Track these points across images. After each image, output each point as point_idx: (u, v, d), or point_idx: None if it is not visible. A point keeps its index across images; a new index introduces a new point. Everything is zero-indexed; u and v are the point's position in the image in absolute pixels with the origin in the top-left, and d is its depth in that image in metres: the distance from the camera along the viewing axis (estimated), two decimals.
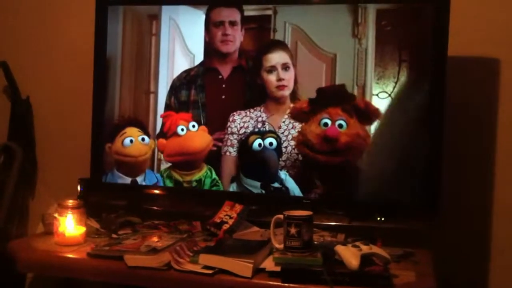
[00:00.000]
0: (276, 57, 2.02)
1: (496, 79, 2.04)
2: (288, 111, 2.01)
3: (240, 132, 2.05)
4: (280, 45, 2.03)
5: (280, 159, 2.00)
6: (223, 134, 2.07)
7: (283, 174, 1.99)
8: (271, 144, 2.01)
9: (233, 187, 2.05)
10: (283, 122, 2.02)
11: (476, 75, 2.06)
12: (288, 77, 2.02)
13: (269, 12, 2.04)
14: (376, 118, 1.92)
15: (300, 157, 1.98)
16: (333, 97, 1.95)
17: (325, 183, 1.98)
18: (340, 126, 1.92)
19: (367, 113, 1.92)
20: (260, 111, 2.05)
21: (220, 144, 2.07)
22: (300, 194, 1.99)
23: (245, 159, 2.05)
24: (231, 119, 2.06)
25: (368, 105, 1.92)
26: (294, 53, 2.02)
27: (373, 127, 1.92)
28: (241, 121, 2.05)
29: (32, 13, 2.57)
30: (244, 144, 2.04)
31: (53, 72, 2.54)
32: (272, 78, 2.03)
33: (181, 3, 2.16)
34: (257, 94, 2.06)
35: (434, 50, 1.85)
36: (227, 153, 2.06)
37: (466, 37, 2.01)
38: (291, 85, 2.02)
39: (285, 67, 2.01)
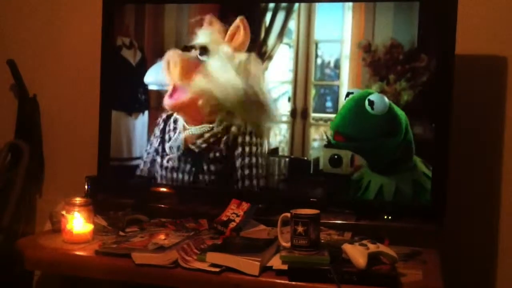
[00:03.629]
0: None
1: (503, 78, 2.03)
2: None
3: None
4: None
5: None
6: None
7: None
8: None
9: None
10: None
11: (483, 74, 2.05)
12: None
13: None
14: None
15: None
16: None
17: None
18: None
19: None
20: None
21: None
22: None
23: None
24: None
25: None
26: None
27: None
28: None
29: (39, 12, 2.57)
30: None
31: (60, 70, 2.55)
32: None
33: (188, 2, 2.16)
34: None
35: (442, 49, 1.85)
36: None
37: (473, 36, 2.01)
38: None
39: None
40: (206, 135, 2.10)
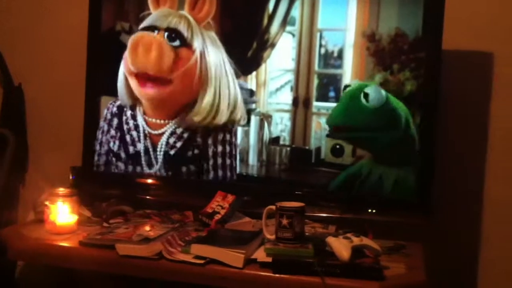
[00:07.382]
0: None
1: (490, 74, 2.04)
2: None
3: None
4: None
5: None
6: None
7: None
8: None
9: None
10: None
11: (470, 70, 2.06)
12: None
13: None
14: None
15: None
16: None
17: None
18: None
19: None
20: None
21: None
22: None
23: None
24: None
25: None
26: None
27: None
28: None
29: (24, 0, 2.55)
30: None
31: (45, 59, 2.52)
32: None
33: None
34: None
35: (428, 44, 1.85)
36: None
37: (460, 31, 2.01)
38: None
39: None
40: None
